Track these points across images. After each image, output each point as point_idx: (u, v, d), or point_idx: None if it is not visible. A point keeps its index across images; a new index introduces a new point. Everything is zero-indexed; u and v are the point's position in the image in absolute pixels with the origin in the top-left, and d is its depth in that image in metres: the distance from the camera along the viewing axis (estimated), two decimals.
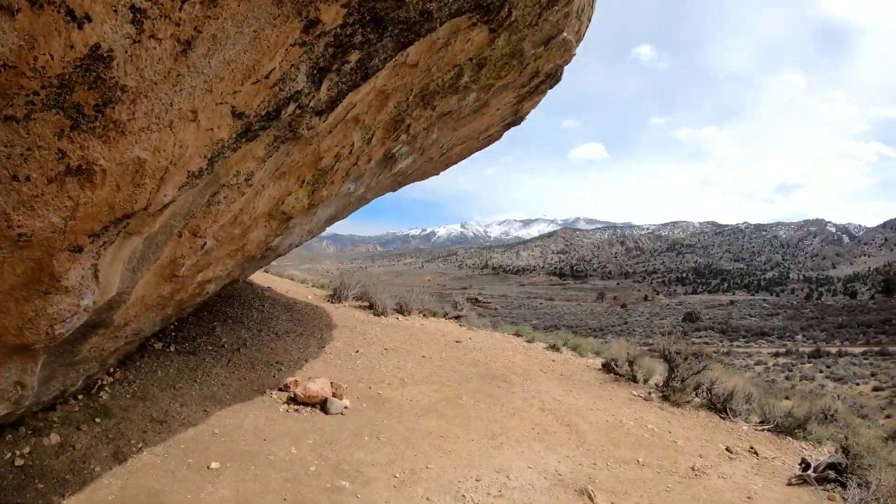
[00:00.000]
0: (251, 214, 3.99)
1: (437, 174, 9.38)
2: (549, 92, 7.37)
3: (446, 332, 9.90)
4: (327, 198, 5.19)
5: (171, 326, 6.98)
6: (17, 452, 3.78)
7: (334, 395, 5.95)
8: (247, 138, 2.94)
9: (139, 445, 4.25)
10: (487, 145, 8.85)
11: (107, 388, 5.02)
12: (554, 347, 10.11)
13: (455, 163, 9.11)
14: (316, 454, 4.67)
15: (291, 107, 3.01)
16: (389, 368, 7.35)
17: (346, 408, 5.81)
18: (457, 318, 11.38)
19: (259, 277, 11.02)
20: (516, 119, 7.91)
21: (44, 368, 3.52)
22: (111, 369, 5.42)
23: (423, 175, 8.73)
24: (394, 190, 9.37)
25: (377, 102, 4.00)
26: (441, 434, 5.51)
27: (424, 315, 10.98)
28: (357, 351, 7.81)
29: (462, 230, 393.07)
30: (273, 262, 15.97)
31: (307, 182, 4.46)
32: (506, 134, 8.59)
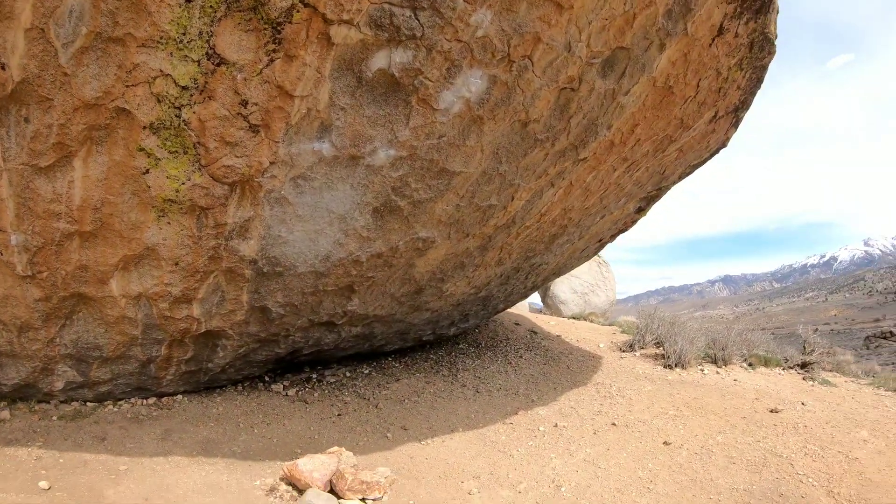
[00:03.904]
0: (70, 204, 3.25)
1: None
2: None
3: (766, 392, 6.13)
4: (262, 171, 3.34)
5: (345, 373, 6.18)
6: None
7: (333, 489, 3.65)
8: None
9: (39, 444, 3.86)
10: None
11: (126, 403, 4.67)
12: None
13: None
14: None
15: None
16: (569, 464, 4.50)
17: None
18: (803, 366, 7.63)
19: (558, 325, 9.63)
20: None
21: None
22: (160, 393, 4.91)
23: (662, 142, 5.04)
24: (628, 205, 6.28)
25: None
26: None
27: (750, 364, 7.69)
28: (556, 425, 5.30)
29: (866, 249, 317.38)
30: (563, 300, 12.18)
31: (140, 142, 3.06)
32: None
